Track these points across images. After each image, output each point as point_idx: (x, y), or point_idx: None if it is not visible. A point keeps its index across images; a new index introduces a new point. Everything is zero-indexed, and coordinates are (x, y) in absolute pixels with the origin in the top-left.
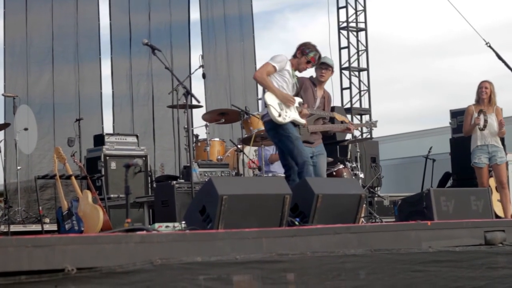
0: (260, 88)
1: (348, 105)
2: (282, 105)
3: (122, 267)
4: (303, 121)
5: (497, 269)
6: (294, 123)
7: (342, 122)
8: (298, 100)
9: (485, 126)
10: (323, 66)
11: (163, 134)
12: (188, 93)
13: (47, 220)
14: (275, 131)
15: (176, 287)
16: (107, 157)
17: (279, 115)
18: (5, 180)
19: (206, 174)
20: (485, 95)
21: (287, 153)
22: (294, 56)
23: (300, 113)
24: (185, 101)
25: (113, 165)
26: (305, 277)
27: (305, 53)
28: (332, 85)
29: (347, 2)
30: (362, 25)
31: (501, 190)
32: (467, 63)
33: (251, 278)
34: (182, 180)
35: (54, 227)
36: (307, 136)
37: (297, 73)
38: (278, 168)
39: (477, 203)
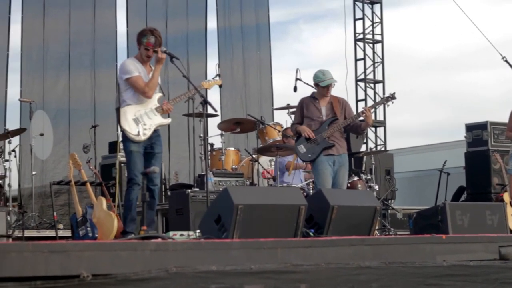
0: (275, 99)
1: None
2: (139, 119)
3: (137, 274)
4: (168, 120)
5: (511, 284)
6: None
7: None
8: (157, 97)
9: None
10: (330, 86)
11: (178, 142)
12: (206, 102)
13: (60, 226)
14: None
15: None
16: (122, 164)
17: (138, 134)
18: (19, 185)
19: (220, 183)
20: None
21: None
22: (138, 50)
23: (162, 111)
24: (201, 109)
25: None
26: None
27: (140, 41)
28: (347, 96)
29: (364, 14)
30: (378, 37)
31: None
32: (483, 76)
33: None
34: (197, 189)
35: (68, 233)
36: (324, 142)
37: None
38: (292, 179)
39: (492, 217)
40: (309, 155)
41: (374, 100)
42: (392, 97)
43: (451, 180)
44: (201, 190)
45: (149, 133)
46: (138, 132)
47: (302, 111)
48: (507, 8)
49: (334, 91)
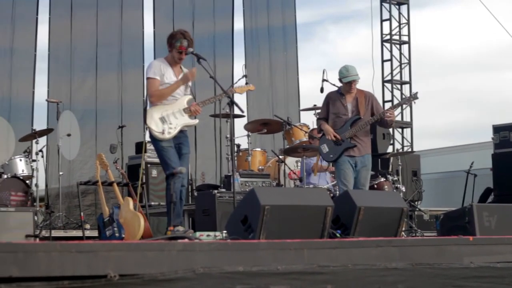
0: (302, 99)
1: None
2: (165, 118)
3: (164, 274)
4: (195, 121)
5: None
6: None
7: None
8: (186, 99)
9: None
10: (353, 82)
11: (205, 143)
12: (232, 103)
13: (87, 226)
14: (153, 143)
15: None
16: (148, 165)
17: (163, 132)
18: (46, 185)
19: (247, 184)
20: None
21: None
22: (169, 52)
23: (190, 112)
24: (228, 110)
25: (154, 172)
26: None
27: (173, 45)
28: None
29: (391, 15)
30: (405, 38)
31: None
32: (511, 77)
33: None
34: (223, 189)
35: (94, 233)
36: (346, 143)
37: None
38: (318, 180)
39: None
40: (331, 156)
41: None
42: (414, 97)
43: (478, 181)
44: (228, 190)
45: (174, 132)
46: (163, 130)
47: (328, 106)
48: None
49: None
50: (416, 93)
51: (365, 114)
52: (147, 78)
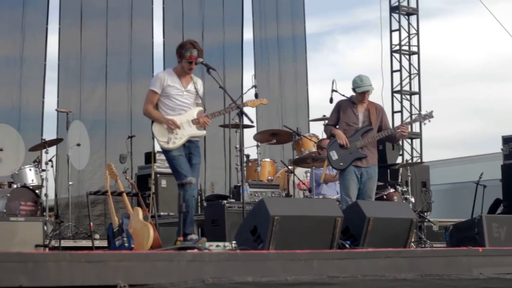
0: (311, 110)
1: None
2: (171, 128)
3: (174, 285)
4: (202, 132)
5: None
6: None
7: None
8: (197, 110)
9: None
10: (366, 93)
11: (214, 153)
12: (242, 113)
13: (97, 236)
14: (164, 153)
15: None
16: (158, 175)
17: (168, 142)
18: (56, 195)
19: (256, 194)
20: None
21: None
22: (179, 62)
23: (199, 123)
24: (238, 120)
25: (163, 183)
26: None
27: (183, 55)
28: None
29: (400, 26)
30: (414, 49)
31: None
32: None
33: None
34: (233, 200)
35: (104, 243)
36: (357, 152)
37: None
38: (328, 190)
39: None
40: (341, 164)
41: (410, 112)
42: (429, 115)
43: (487, 192)
44: (237, 201)
45: (179, 142)
46: (168, 140)
47: (339, 113)
48: None
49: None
50: (432, 111)
51: (375, 126)
52: (149, 89)
